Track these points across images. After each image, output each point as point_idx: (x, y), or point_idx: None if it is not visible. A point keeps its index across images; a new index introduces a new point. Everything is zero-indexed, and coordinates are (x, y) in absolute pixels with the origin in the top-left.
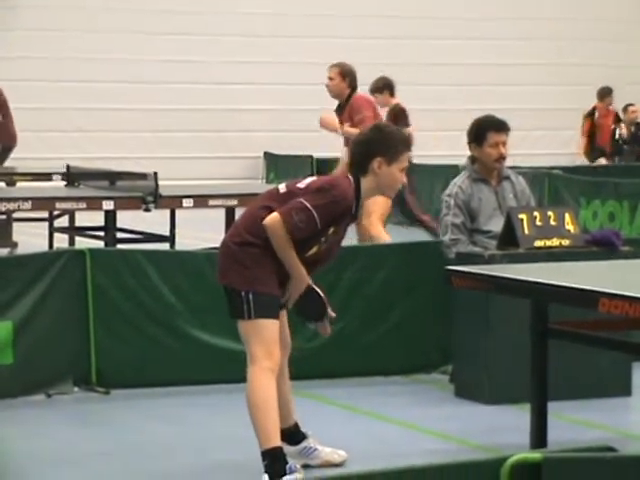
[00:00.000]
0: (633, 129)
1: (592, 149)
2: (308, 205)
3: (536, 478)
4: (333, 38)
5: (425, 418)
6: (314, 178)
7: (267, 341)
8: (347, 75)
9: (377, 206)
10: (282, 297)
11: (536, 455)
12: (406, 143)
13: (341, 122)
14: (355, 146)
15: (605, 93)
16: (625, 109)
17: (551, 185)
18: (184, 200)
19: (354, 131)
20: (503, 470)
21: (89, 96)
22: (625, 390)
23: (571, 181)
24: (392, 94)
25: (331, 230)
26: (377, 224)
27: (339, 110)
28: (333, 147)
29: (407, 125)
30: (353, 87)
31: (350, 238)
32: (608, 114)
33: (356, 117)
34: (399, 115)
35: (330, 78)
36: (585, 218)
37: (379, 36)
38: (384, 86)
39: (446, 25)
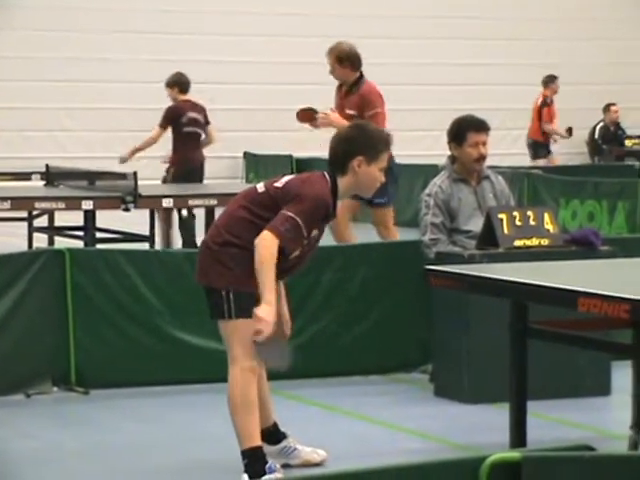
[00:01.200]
0: (613, 129)
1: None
2: (292, 214)
3: (515, 477)
4: (313, 37)
5: (405, 417)
6: (291, 176)
7: (248, 341)
8: (345, 58)
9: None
10: None
11: (515, 454)
12: (386, 143)
13: (342, 106)
14: (336, 144)
15: (550, 80)
16: (606, 108)
17: (530, 185)
18: (164, 200)
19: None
20: (482, 469)
21: (73, 96)
22: (604, 389)
23: (550, 181)
24: (182, 91)
25: (314, 233)
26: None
27: (344, 93)
28: (313, 147)
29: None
30: (358, 68)
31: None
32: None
33: (368, 112)
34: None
35: (331, 70)
36: (564, 218)
37: (361, 35)
38: (174, 83)
39: (427, 25)
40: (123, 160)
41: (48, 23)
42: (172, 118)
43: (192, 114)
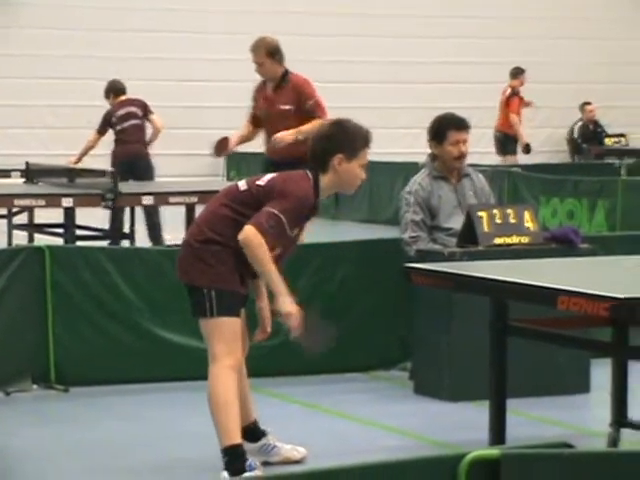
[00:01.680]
0: (591, 127)
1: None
2: (275, 211)
3: (494, 474)
4: (287, 35)
5: (384, 415)
6: (273, 175)
7: (229, 339)
8: (275, 52)
9: None
10: (245, 294)
11: (494, 451)
12: (365, 139)
13: (272, 102)
14: (315, 142)
15: (518, 72)
16: (582, 107)
17: (511, 183)
18: (144, 197)
19: (313, 127)
20: (461, 467)
21: (56, 93)
22: (584, 387)
23: (530, 179)
24: (117, 95)
25: (296, 231)
26: None
27: (272, 89)
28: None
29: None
30: (284, 61)
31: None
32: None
33: (309, 102)
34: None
35: (259, 63)
36: (545, 216)
37: (332, 34)
38: (109, 91)
39: (408, 23)
40: (72, 165)
41: (31, 20)
42: (104, 122)
43: (122, 111)
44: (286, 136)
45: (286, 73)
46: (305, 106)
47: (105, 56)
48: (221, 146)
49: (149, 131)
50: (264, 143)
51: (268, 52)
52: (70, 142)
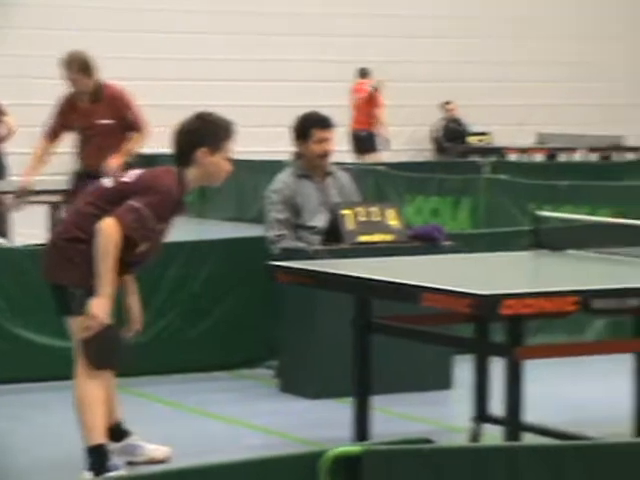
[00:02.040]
0: (454, 126)
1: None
2: (138, 205)
3: (356, 471)
4: (164, 34)
5: (250, 414)
6: (138, 171)
7: None
8: (89, 67)
9: None
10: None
11: (355, 448)
12: (228, 131)
13: (88, 117)
14: (178, 136)
15: (368, 71)
16: (443, 106)
17: (375, 181)
18: (3, 196)
19: (136, 144)
20: (323, 463)
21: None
22: (446, 383)
23: (395, 177)
24: None
25: (162, 226)
26: None
27: (87, 104)
28: (161, 142)
29: None
30: (94, 75)
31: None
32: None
33: (129, 111)
34: None
35: (73, 80)
36: (409, 214)
37: (203, 31)
38: None
39: (264, 21)
40: None
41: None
42: None
43: None
44: (114, 162)
45: (100, 85)
46: (126, 118)
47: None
48: (23, 193)
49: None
50: (83, 157)
51: (82, 67)
52: None
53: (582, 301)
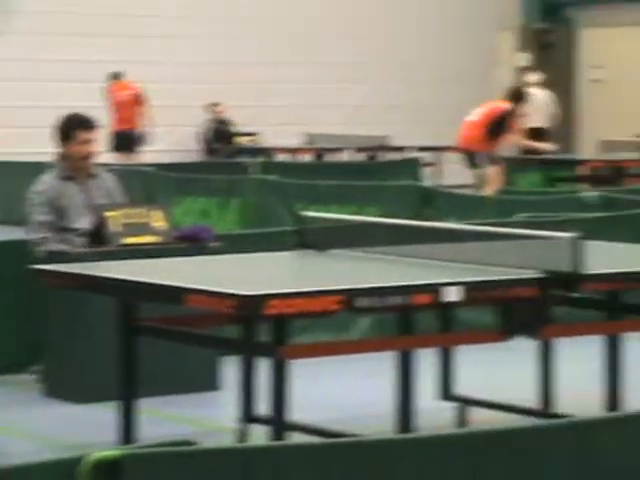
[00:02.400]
0: (220, 126)
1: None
2: None
3: (117, 475)
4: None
5: (13, 419)
6: None
7: None
8: None
9: None
10: None
11: (114, 452)
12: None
13: None
14: None
15: (119, 74)
16: (210, 107)
17: (143, 182)
18: None
19: None
20: (83, 468)
21: None
22: (214, 385)
23: (163, 178)
24: None
25: None
26: None
27: None
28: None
29: None
30: None
31: None
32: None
33: None
34: None
35: None
36: (178, 215)
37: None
38: None
39: (46, 20)
40: None
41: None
42: None
43: None
44: None
45: None
46: None
47: None
48: None
49: None
50: None
51: None
52: None
53: (345, 300)
